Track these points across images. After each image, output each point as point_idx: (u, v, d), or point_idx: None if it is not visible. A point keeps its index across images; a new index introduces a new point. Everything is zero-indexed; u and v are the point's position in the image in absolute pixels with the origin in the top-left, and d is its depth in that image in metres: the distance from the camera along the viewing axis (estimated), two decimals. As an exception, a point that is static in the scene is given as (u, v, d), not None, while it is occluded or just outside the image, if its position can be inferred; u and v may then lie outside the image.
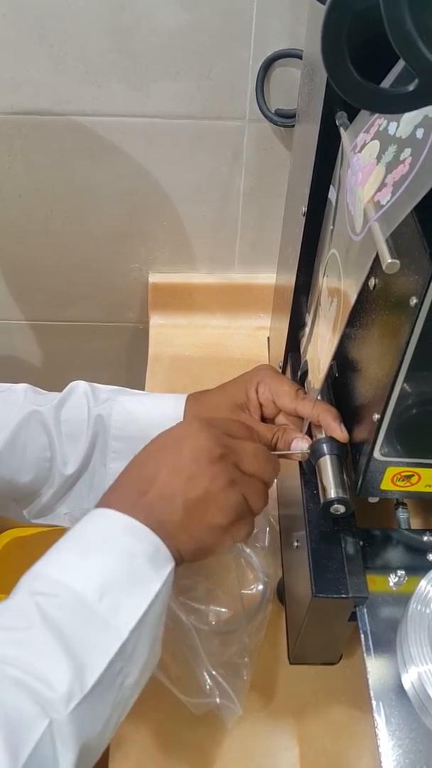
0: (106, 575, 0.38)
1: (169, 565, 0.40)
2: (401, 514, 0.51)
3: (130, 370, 1.00)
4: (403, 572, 0.48)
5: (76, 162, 0.76)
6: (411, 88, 0.26)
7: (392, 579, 0.48)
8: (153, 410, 0.54)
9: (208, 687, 0.49)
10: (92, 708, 0.35)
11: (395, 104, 0.27)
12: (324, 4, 0.39)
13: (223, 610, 0.55)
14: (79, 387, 0.55)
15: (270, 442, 0.50)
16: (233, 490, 0.42)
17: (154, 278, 0.88)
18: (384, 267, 0.32)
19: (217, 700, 0.49)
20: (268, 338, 0.85)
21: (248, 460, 0.44)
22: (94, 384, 0.56)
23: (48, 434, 0.53)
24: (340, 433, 0.48)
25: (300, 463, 0.52)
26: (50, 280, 0.89)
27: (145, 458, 0.44)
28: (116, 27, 0.66)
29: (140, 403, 0.55)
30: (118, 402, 0.54)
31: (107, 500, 0.42)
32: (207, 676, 0.50)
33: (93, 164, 0.76)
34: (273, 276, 0.75)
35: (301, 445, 0.50)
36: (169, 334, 0.89)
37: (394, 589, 0.47)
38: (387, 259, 0.32)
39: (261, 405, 0.53)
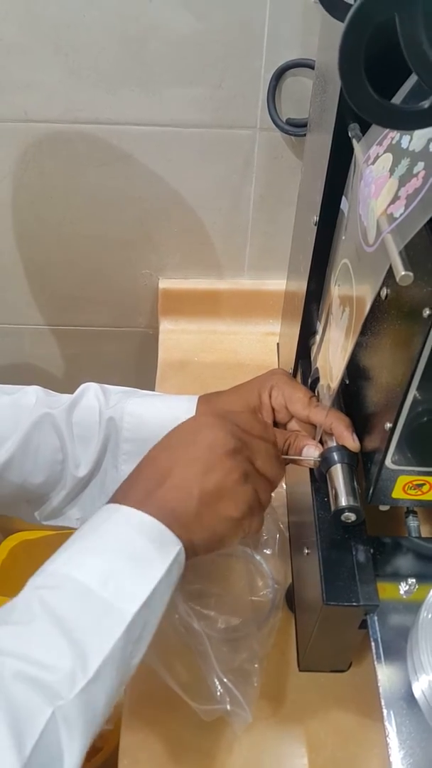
0: (109, 562, 0.38)
1: (174, 548, 0.40)
2: (412, 522, 0.51)
3: (139, 375, 1.01)
4: (414, 580, 0.48)
5: (89, 169, 0.77)
6: (426, 105, 0.27)
7: (403, 587, 0.48)
8: (164, 412, 0.54)
9: (218, 693, 0.50)
10: (99, 691, 0.35)
11: (411, 121, 0.27)
12: (336, 18, 0.40)
13: (233, 617, 0.55)
14: (91, 389, 0.56)
15: (281, 446, 0.50)
16: (247, 484, 0.43)
17: (164, 284, 0.89)
18: (398, 279, 0.32)
19: (228, 706, 0.50)
20: (278, 344, 0.86)
21: (261, 457, 0.45)
22: (105, 386, 0.57)
23: (60, 437, 0.53)
24: (352, 443, 0.48)
25: (311, 470, 0.53)
26: (61, 286, 0.90)
27: (158, 452, 0.45)
28: (130, 36, 0.66)
29: (151, 405, 0.55)
30: (129, 404, 0.54)
31: (118, 496, 0.43)
32: (218, 683, 0.50)
33: (105, 171, 0.77)
34: (282, 282, 0.76)
35: (312, 452, 0.50)
36: (178, 339, 0.90)
37: (404, 597, 0.48)
38: (401, 271, 0.32)
39: (273, 409, 0.53)
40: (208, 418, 0.45)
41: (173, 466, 0.43)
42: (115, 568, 0.38)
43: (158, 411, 0.54)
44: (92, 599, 0.37)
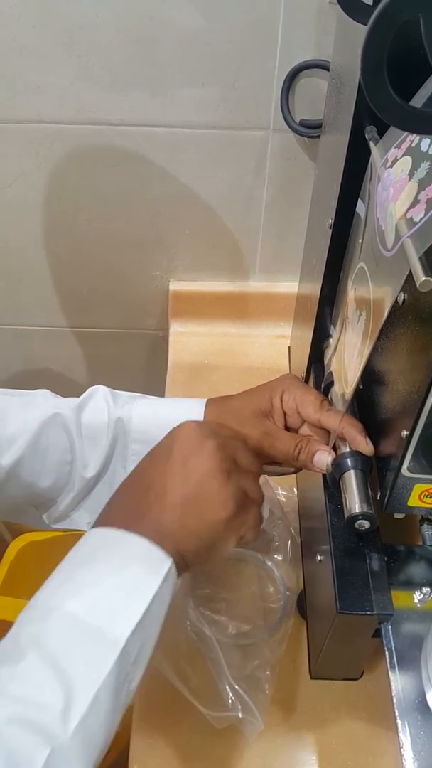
0: (97, 588, 0.37)
1: (165, 565, 0.39)
2: (427, 531, 0.50)
3: (149, 377, 1.01)
4: (429, 589, 0.47)
5: (100, 170, 0.77)
6: (451, 108, 0.26)
7: (417, 596, 0.47)
8: (174, 413, 0.53)
9: (230, 701, 0.49)
10: (95, 723, 0.34)
11: (434, 124, 0.27)
12: (355, 19, 0.39)
13: (243, 623, 0.55)
14: (99, 391, 0.56)
15: (293, 451, 0.50)
16: (230, 481, 0.42)
17: (174, 286, 0.88)
18: (418, 285, 0.31)
19: (239, 714, 0.49)
20: (289, 348, 0.85)
21: (242, 453, 0.45)
22: (114, 390, 0.57)
23: (69, 437, 0.53)
24: (366, 447, 0.48)
25: (323, 476, 0.52)
26: (71, 287, 0.90)
27: (139, 469, 0.44)
28: (142, 37, 0.66)
29: (160, 406, 0.55)
30: (138, 405, 0.54)
31: (103, 518, 0.42)
32: (229, 690, 0.50)
33: (117, 172, 0.77)
34: (294, 285, 0.75)
35: (324, 457, 0.49)
36: (188, 341, 0.89)
37: (419, 605, 0.47)
38: (421, 277, 0.31)
39: (285, 414, 0.53)
40: (182, 427, 0.44)
41: (153, 479, 0.42)
42: (104, 594, 0.37)
43: (168, 412, 0.54)
44: (81, 629, 0.36)
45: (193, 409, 0.54)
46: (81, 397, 0.55)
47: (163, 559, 0.39)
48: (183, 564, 0.40)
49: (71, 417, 0.53)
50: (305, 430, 0.53)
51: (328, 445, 0.50)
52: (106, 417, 0.54)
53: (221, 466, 0.42)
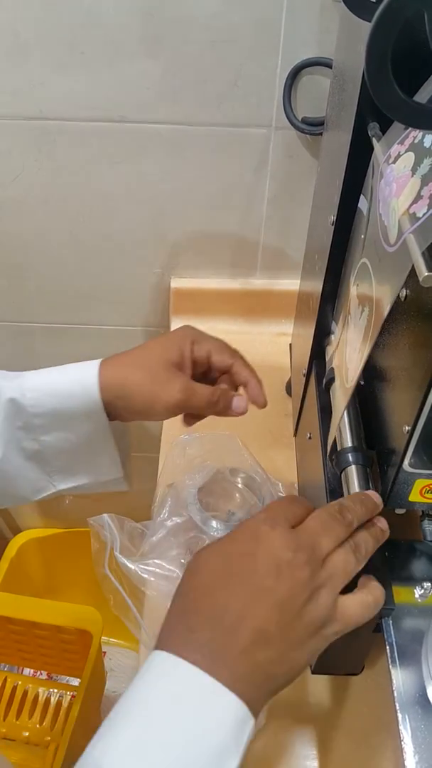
0: (173, 763, 0.31)
1: (248, 727, 0.32)
2: (428, 526, 0.50)
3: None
4: (429, 584, 0.47)
5: (102, 167, 0.77)
6: (454, 103, 0.26)
7: (418, 591, 0.47)
8: (66, 378, 0.51)
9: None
10: None
11: (439, 120, 0.27)
12: (359, 16, 0.39)
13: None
14: None
15: (213, 401, 0.51)
16: (313, 601, 0.36)
17: (176, 283, 0.88)
18: (421, 280, 0.31)
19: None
20: (290, 344, 0.85)
21: (330, 549, 0.38)
22: (2, 370, 0.54)
23: None
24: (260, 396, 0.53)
25: (324, 471, 0.52)
26: (73, 284, 0.90)
27: (211, 585, 0.36)
28: (145, 35, 0.66)
29: (49, 376, 0.52)
30: (26, 380, 0.51)
31: (175, 643, 0.34)
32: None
33: (119, 169, 0.77)
34: (295, 282, 0.75)
35: (243, 402, 0.52)
36: (190, 338, 0.89)
37: (419, 600, 0.47)
38: (424, 272, 0.31)
39: (194, 363, 0.53)
40: (258, 524, 0.37)
41: (241, 607, 0.34)
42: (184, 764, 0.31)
43: (60, 379, 0.51)
44: None
45: (83, 372, 0.50)
46: None
47: (249, 721, 0.32)
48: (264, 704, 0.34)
49: None
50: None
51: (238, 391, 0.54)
52: None
53: (312, 582, 0.36)
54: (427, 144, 0.36)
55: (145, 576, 0.56)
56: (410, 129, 0.38)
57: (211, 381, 0.55)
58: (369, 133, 0.43)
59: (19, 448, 0.52)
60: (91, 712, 0.99)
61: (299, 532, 0.37)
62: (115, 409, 0.50)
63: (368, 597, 0.39)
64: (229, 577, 0.36)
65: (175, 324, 0.91)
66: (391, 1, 0.24)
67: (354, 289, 0.48)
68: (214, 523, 0.60)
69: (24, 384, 0.51)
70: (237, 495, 0.66)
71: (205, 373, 0.55)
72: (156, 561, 0.57)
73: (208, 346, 0.53)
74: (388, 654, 0.45)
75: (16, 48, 0.67)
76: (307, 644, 0.35)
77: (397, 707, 0.43)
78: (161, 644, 0.35)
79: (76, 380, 0.50)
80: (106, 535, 0.57)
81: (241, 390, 0.55)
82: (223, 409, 0.52)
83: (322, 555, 0.37)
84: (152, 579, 0.56)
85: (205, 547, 0.39)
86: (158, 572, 0.56)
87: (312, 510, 0.40)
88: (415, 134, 0.37)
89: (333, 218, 0.51)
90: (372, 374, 0.51)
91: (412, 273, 0.33)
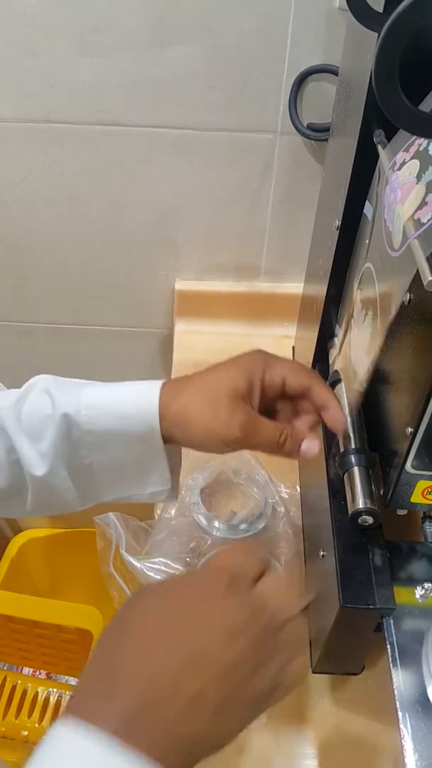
0: None
1: None
2: (428, 528, 0.51)
3: (154, 375, 1.01)
4: (430, 585, 0.48)
5: (110, 170, 0.77)
6: (460, 113, 0.27)
7: (418, 591, 0.48)
8: (123, 400, 0.48)
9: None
10: None
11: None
12: (365, 25, 0.40)
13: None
14: (40, 381, 0.50)
15: (278, 441, 0.45)
16: (265, 669, 0.33)
17: (180, 285, 0.89)
18: (425, 285, 0.32)
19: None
20: (293, 348, 0.86)
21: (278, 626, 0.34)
22: (59, 378, 0.51)
23: (9, 435, 0.48)
24: (341, 422, 0.46)
25: (327, 472, 0.53)
26: (78, 285, 0.91)
27: (148, 640, 0.32)
28: (154, 40, 0.67)
29: (109, 394, 0.49)
30: (84, 395, 0.48)
31: (90, 708, 0.29)
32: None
33: (126, 173, 0.78)
34: (299, 285, 0.76)
35: (314, 445, 0.46)
36: (193, 340, 0.90)
37: (420, 601, 0.48)
38: (428, 277, 0.32)
39: (265, 389, 0.47)
40: (207, 579, 0.34)
41: (168, 670, 0.30)
42: None
43: (118, 399, 0.48)
44: None
45: (143, 394, 0.47)
46: (21, 390, 0.50)
47: None
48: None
49: (9, 414, 0.49)
50: (284, 409, 0.49)
51: (311, 430, 0.47)
52: (49, 410, 0.48)
53: (255, 654, 0.32)
54: (431, 151, 0.36)
55: (151, 574, 0.56)
56: (415, 137, 0.39)
57: (289, 405, 0.49)
58: (375, 140, 0.44)
59: (68, 462, 0.49)
60: (90, 712, 0.99)
61: (256, 597, 0.34)
62: (172, 435, 0.47)
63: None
64: (169, 635, 0.32)
65: (179, 326, 0.91)
66: (401, 13, 0.25)
67: (358, 293, 0.48)
68: (216, 523, 0.61)
69: (80, 400, 0.48)
70: (239, 495, 0.67)
71: (279, 396, 0.48)
72: (161, 559, 0.57)
73: (282, 370, 0.47)
74: (389, 654, 0.46)
75: (26, 52, 0.68)
76: (246, 716, 0.32)
77: (398, 706, 0.44)
78: (72, 709, 0.30)
79: (135, 404, 0.47)
80: (112, 534, 0.58)
81: (305, 425, 0.48)
82: (289, 452, 0.46)
83: (278, 623, 0.34)
84: (158, 577, 0.57)
85: (146, 590, 0.34)
86: (164, 570, 0.57)
87: (269, 564, 0.37)
88: (420, 142, 0.38)
89: (338, 223, 0.51)
90: (376, 376, 0.51)
91: (416, 277, 0.34)
